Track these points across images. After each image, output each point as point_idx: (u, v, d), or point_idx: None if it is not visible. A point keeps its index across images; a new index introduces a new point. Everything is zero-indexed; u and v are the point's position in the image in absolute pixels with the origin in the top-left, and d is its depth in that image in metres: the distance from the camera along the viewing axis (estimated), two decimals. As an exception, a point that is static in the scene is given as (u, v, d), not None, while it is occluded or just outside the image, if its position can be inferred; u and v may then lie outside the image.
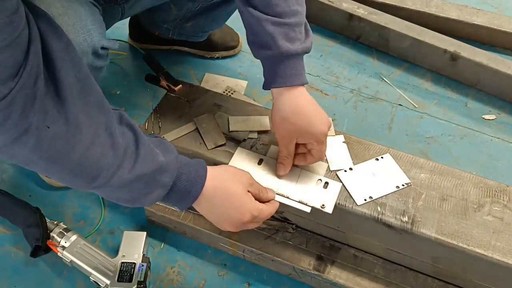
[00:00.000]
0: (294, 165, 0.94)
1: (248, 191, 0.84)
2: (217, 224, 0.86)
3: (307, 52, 0.90)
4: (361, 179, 0.95)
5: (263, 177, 0.94)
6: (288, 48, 0.86)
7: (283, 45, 0.86)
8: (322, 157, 0.93)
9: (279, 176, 0.94)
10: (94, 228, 1.11)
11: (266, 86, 0.91)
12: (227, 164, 0.96)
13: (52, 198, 1.15)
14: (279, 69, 0.88)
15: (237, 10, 1.25)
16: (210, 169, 0.81)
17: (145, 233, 1.03)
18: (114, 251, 1.05)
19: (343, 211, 0.92)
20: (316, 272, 0.98)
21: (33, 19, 0.61)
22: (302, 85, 0.90)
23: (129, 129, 0.74)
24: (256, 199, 0.85)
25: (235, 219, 0.83)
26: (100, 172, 0.69)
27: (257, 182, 0.87)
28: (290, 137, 0.91)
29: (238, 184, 0.83)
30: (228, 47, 1.46)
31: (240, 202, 0.83)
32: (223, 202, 0.82)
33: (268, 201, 0.87)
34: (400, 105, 1.39)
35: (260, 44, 0.89)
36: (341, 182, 0.94)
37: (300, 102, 0.89)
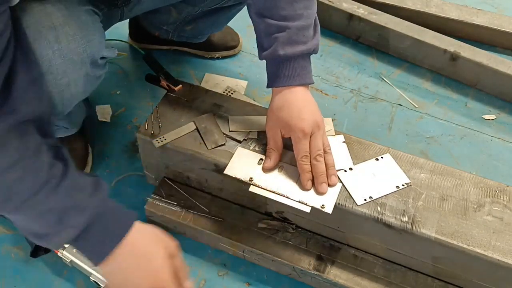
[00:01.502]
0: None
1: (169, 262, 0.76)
2: None
3: (311, 53, 0.93)
4: (361, 179, 0.95)
5: (263, 177, 0.94)
6: (288, 51, 0.89)
7: (283, 48, 0.89)
8: (301, 153, 0.90)
9: (264, 169, 0.94)
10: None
11: (268, 85, 0.95)
12: (227, 164, 0.96)
13: (52, 198, 1.15)
14: (278, 70, 0.92)
15: (237, 14, 1.26)
16: (138, 224, 0.75)
17: None
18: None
19: (343, 211, 0.92)
20: (316, 272, 0.98)
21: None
22: (303, 85, 0.92)
23: (62, 164, 0.72)
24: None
25: (144, 285, 0.74)
26: (11, 196, 0.67)
27: (182, 259, 0.79)
28: (275, 129, 0.93)
29: (161, 249, 0.75)
30: (228, 47, 1.46)
31: (156, 267, 0.74)
32: (137, 262, 0.74)
33: None
34: (400, 105, 1.39)
35: (263, 47, 0.92)
36: (341, 182, 0.94)
37: (290, 98, 0.91)
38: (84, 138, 1.20)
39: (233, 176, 0.94)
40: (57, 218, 0.71)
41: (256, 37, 0.95)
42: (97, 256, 0.74)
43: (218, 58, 1.46)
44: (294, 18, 0.89)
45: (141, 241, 0.75)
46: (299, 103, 0.91)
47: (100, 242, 0.73)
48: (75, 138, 1.17)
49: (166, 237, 0.78)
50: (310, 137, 0.91)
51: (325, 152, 0.93)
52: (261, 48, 0.93)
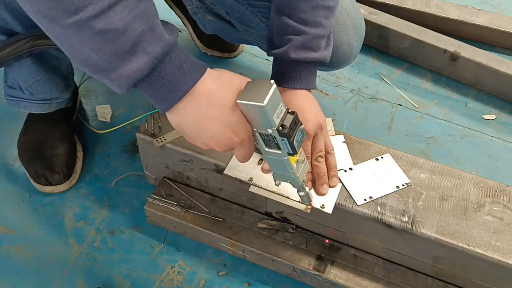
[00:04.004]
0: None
1: None
2: (197, 139, 0.73)
3: (321, 61, 0.92)
4: (361, 179, 0.95)
5: (263, 177, 0.94)
6: (299, 55, 0.88)
7: (295, 51, 0.88)
8: (306, 152, 0.90)
9: (264, 170, 0.94)
10: (93, 228, 1.11)
11: None
12: (227, 164, 0.96)
13: (52, 199, 1.15)
14: (285, 71, 0.91)
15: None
16: (210, 70, 0.70)
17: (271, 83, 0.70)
18: (114, 252, 1.05)
19: (343, 211, 0.92)
20: (316, 272, 0.98)
21: None
22: (306, 89, 0.92)
23: None
24: None
25: (226, 136, 0.70)
26: (88, 3, 0.59)
27: None
28: None
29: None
30: (227, 49, 1.44)
31: (239, 117, 0.70)
32: (219, 111, 0.68)
33: None
34: (400, 105, 1.39)
35: (273, 44, 0.92)
36: (341, 182, 0.94)
37: (293, 99, 0.91)
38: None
39: (233, 176, 0.94)
40: (131, 42, 0.62)
41: (269, 30, 0.93)
42: (167, 100, 0.67)
43: (211, 56, 1.45)
44: (312, 24, 0.88)
45: (219, 90, 0.68)
46: (302, 105, 0.91)
47: (174, 81, 0.65)
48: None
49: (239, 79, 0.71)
50: (313, 138, 0.91)
51: (328, 153, 0.93)
52: (271, 44, 0.93)
